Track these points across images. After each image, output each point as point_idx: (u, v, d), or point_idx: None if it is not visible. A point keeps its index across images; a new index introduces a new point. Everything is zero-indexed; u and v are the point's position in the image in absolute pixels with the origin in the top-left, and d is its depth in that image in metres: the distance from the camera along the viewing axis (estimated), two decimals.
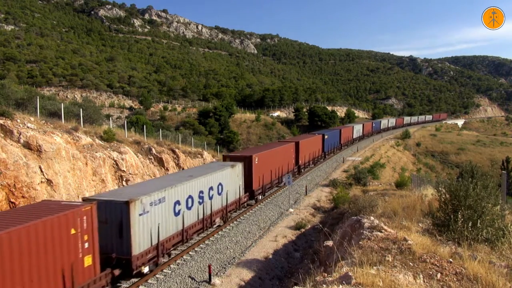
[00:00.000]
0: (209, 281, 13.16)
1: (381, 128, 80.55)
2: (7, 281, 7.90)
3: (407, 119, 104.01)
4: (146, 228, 12.51)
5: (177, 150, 27.22)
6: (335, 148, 48.09)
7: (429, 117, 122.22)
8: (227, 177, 18.95)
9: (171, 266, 14.09)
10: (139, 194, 12.51)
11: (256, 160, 22.58)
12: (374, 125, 75.29)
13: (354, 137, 59.50)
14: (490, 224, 7.82)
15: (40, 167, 15.60)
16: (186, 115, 72.74)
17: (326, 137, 41.90)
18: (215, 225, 18.21)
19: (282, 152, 27.88)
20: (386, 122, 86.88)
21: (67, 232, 9.34)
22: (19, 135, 15.97)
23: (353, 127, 58.79)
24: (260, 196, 23.92)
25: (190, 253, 15.43)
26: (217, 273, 13.95)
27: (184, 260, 14.65)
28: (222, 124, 68.01)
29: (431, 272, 6.02)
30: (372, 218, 9.73)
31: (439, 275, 5.94)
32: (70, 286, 9.43)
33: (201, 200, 16.36)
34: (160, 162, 24.67)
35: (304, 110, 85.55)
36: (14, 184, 14.25)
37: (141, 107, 74.07)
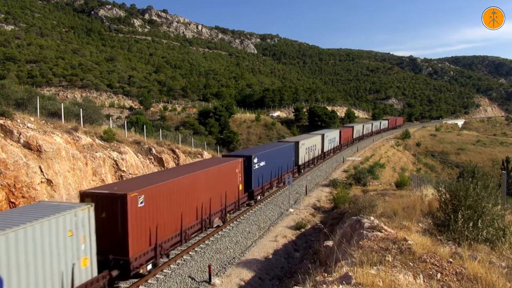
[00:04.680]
0: (209, 281, 13.16)
1: (324, 153, 41.35)
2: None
3: (358, 128, 62.89)
4: None
5: (177, 150, 27.21)
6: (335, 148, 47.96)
7: (384, 123, 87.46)
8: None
9: (171, 266, 14.08)
10: None
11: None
12: (286, 151, 29.09)
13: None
14: (490, 224, 7.81)
15: (40, 167, 15.60)
16: (186, 115, 72.74)
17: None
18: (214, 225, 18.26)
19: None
20: (327, 142, 42.31)
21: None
22: (19, 135, 15.97)
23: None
24: (259, 197, 23.89)
25: (190, 253, 15.41)
26: (217, 273, 13.94)
27: (184, 260, 14.64)
28: (222, 124, 68.01)
29: (431, 272, 6.02)
30: (372, 218, 9.72)
31: (439, 275, 5.93)
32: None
33: None
34: (160, 162, 24.65)
35: (304, 110, 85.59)
36: (14, 184, 14.25)
37: (141, 107, 74.09)
